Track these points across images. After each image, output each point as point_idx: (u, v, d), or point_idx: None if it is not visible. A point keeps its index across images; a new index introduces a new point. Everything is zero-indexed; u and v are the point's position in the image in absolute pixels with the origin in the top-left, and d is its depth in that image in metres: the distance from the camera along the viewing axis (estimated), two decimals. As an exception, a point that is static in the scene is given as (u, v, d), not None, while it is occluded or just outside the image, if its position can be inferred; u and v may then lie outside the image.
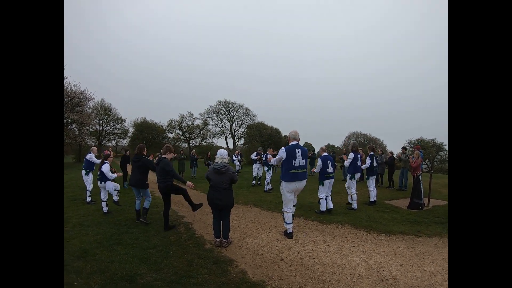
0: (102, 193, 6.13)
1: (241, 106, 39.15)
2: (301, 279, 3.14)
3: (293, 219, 4.65)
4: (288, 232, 4.52)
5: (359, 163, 6.74)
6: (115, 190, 6.33)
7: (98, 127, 35.77)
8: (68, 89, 24.54)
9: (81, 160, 26.07)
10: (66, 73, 22.93)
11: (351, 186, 6.76)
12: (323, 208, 6.15)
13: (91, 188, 7.32)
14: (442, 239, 4.42)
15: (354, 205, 6.65)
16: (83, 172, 7.36)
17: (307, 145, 33.56)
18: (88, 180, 7.29)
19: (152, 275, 3.19)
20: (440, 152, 32.46)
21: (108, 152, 6.50)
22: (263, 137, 33.53)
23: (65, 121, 24.13)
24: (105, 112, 36.55)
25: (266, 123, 37.03)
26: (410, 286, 2.95)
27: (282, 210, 4.61)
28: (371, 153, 7.48)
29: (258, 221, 5.55)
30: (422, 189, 6.73)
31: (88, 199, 7.26)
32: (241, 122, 39.73)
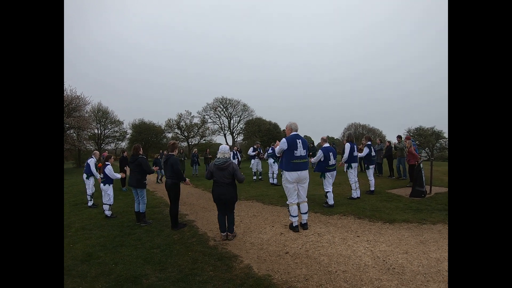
0: (104, 197, 6.09)
1: (238, 102, 38.99)
2: (307, 271, 3.12)
3: (307, 211, 4.62)
4: (293, 225, 4.50)
5: (355, 153, 6.65)
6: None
7: (96, 131, 35.63)
8: (64, 94, 24.37)
9: (81, 165, 26.01)
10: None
11: (350, 175, 6.66)
12: (331, 201, 5.96)
13: (92, 192, 7.31)
14: (446, 225, 4.41)
15: (354, 194, 6.61)
16: (84, 176, 7.33)
17: (306, 137, 33.58)
18: (89, 184, 7.28)
19: (157, 275, 3.17)
20: (439, 140, 32.46)
21: (106, 153, 6.46)
22: (262, 132, 33.49)
23: (62, 126, 24.02)
24: (102, 115, 36.35)
25: (264, 118, 37.01)
26: (417, 273, 2.94)
27: (287, 202, 4.55)
28: (368, 142, 7.47)
29: (261, 216, 5.54)
30: (423, 177, 6.72)
31: (90, 203, 7.26)
32: (239, 118, 39.64)
